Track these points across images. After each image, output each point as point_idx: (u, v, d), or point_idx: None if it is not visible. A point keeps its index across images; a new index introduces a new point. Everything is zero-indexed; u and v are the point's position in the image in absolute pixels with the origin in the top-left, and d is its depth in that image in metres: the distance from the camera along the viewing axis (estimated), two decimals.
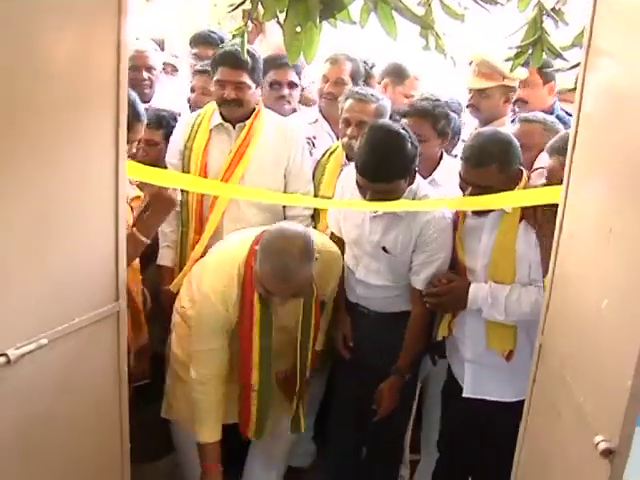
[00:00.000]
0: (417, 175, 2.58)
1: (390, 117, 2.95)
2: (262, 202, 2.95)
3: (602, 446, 1.55)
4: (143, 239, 2.41)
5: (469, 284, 2.51)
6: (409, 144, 2.48)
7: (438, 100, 2.89)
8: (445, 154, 2.99)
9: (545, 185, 2.41)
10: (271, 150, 2.99)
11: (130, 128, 2.07)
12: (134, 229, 2.39)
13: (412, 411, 2.96)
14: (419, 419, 3.12)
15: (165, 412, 2.80)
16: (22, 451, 1.85)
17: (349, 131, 2.90)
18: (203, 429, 2.58)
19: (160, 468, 3.13)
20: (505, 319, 2.45)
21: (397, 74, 3.68)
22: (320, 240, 2.63)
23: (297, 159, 3.03)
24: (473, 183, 2.43)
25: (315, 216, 3.09)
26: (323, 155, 3.10)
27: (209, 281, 2.51)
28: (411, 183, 2.55)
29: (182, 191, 2.98)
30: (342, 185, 2.79)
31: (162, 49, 4.12)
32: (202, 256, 2.90)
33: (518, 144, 2.48)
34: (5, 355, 1.69)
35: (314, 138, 3.23)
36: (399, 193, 2.52)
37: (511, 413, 2.32)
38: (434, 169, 2.89)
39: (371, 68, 3.67)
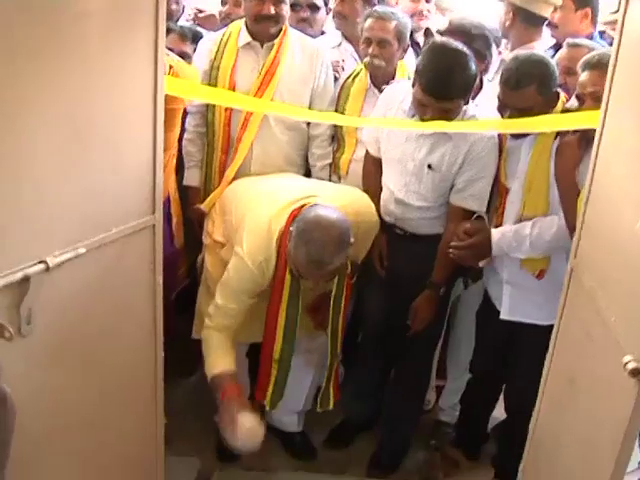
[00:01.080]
0: None
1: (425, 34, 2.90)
2: (288, 121, 2.95)
3: (631, 365, 1.55)
4: None
5: (490, 234, 2.51)
6: (473, 63, 2.47)
7: (478, 22, 2.84)
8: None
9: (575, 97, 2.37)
10: (298, 69, 2.98)
11: None
12: None
13: (442, 331, 2.97)
14: (445, 344, 3.14)
15: (197, 332, 2.79)
16: (57, 358, 1.88)
17: (371, 50, 2.88)
18: (211, 360, 2.47)
19: (191, 384, 3.21)
20: (530, 254, 2.47)
21: None
22: (358, 208, 2.59)
23: (322, 79, 3.03)
24: (512, 105, 2.41)
25: (338, 140, 3.08)
26: (347, 78, 3.07)
27: (249, 249, 2.45)
28: (467, 103, 2.54)
29: (208, 111, 2.99)
30: (386, 102, 2.74)
31: None
32: (234, 178, 2.93)
33: (555, 66, 2.46)
34: (44, 262, 1.71)
35: (343, 62, 3.19)
36: (458, 112, 2.52)
37: (546, 335, 2.32)
38: (475, 95, 2.80)
39: None
